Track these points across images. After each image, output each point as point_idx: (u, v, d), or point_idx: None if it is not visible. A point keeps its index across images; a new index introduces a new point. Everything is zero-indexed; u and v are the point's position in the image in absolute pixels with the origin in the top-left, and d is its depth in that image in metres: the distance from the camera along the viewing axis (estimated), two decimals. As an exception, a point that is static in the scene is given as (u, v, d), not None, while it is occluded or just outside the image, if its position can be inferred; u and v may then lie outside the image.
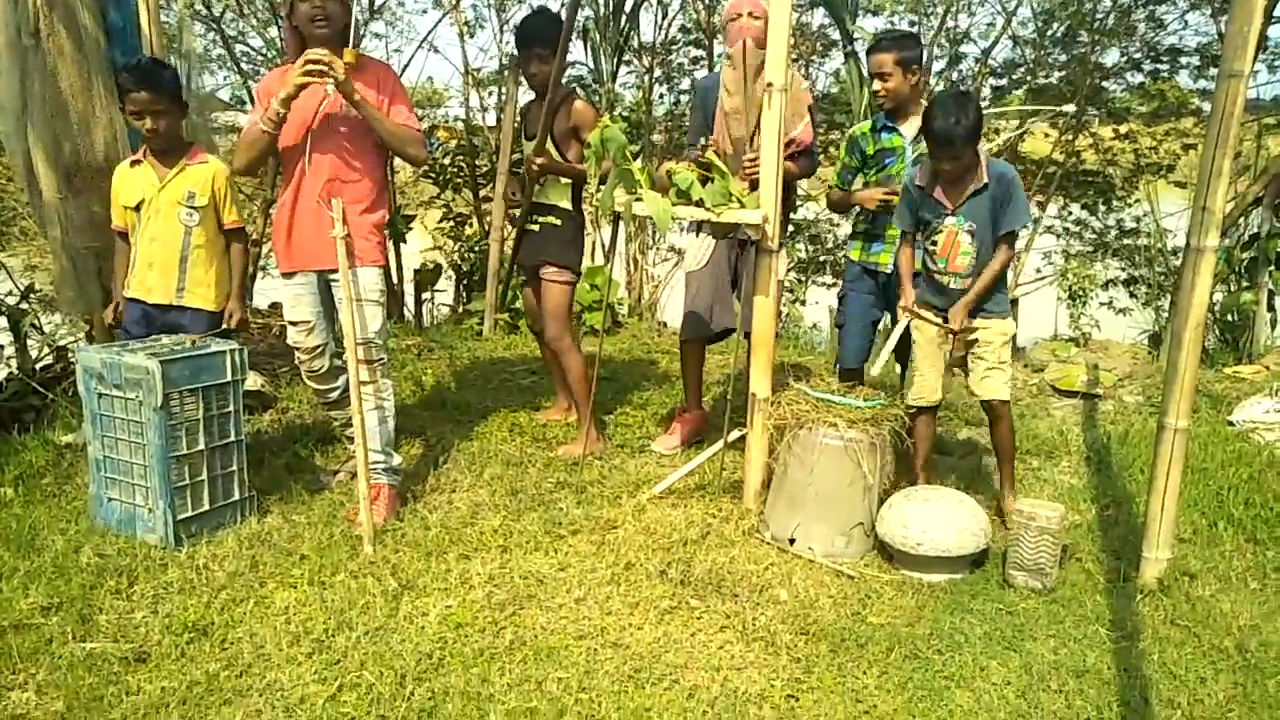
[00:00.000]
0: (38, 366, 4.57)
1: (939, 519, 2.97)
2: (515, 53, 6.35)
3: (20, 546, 2.98)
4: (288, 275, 3.34)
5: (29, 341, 4.70)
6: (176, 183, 3.34)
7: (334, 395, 3.52)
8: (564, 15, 3.57)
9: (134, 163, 3.39)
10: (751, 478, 3.38)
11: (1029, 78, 7.75)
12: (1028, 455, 4.06)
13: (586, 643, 2.55)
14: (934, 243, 3.27)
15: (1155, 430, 2.87)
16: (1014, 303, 5.83)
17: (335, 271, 3.22)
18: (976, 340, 3.28)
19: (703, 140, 3.61)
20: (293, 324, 3.38)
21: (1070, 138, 7.65)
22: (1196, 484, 3.59)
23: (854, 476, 3.09)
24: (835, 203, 3.99)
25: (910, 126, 3.59)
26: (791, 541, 3.12)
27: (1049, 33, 7.64)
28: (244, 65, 7.31)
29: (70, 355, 4.54)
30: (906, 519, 3.00)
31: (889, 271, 3.66)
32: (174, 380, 2.98)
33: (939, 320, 3.30)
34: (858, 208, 3.76)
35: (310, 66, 2.98)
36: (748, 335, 3.53)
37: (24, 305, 4.74)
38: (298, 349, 3.41)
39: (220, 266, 3.47)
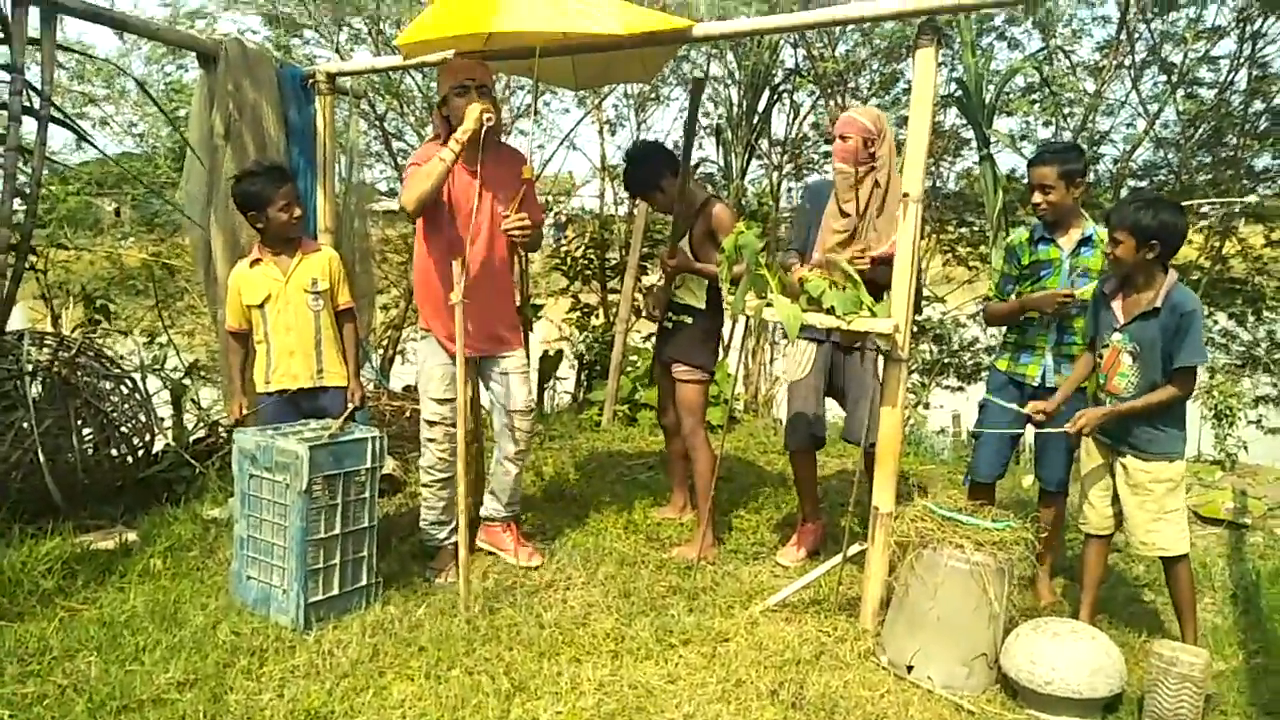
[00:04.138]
0: (191, 440, 4.90)
1: (1070, 656, 2.83)
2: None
3: (164, 619, 3.17)
4: (450, 356, 3.51)
5: (185, 415, 5.06)
6: (300, 272, 3.58)
7: (450, 473, 3.63)
8: (683, 133, 3.74)
9: (253, 262, 3.56)
10: (870, 595, 3.29)
11: (1172, 180, 7.51)
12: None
13: (694, 763, 2.51)
14: (1100, 356, 3.19)
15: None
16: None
17: (494, 356, 3.67)
18: (1132, 485, 3.11)
19: (795, 255, 3.77)
20: (445, 401, 3.58)
21: (1217, 244, 7.33)
22: (1361, 633, 3.31)
23: (979, 603, 2.97)
24: (999, 314, 3.67)
25: (1069, 240, 3.47)
26: (909, 669, 3.02)
27: (1194, 135, 7.41)
28: (399, 160, 7.81)
29: (221, 430, 4.86)
30: (1034, 654, 2.87)
31: (1036, 384, 3.55)
32: (319, 465, 3.14)
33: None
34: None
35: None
36: (855, 442, 3.49)
37: (186, 380, 5.12)
38: (444, 421, 3.60)
39: (343, 344, 3.71)
